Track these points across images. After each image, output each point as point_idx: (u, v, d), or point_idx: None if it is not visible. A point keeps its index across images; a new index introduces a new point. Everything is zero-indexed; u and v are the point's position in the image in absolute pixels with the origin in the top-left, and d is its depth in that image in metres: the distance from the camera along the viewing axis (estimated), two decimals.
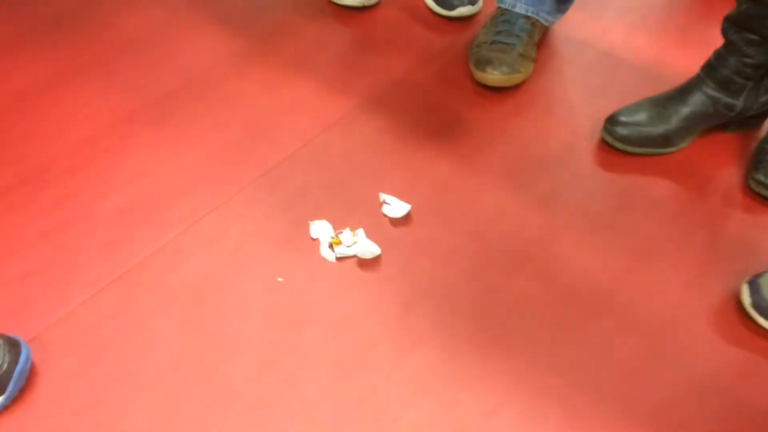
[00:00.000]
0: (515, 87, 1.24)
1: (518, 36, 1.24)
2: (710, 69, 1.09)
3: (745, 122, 1.14)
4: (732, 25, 1.05)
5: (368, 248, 0.98)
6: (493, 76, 1.20)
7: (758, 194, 1.06)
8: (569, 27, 1.37)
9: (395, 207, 1.03)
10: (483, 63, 1.22)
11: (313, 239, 1.01)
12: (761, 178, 1.05)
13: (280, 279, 0.96)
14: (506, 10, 1.27)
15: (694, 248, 1.01)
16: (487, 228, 1.03)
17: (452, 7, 1.36)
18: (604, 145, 1.14)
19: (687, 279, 0.97)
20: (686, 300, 0.95)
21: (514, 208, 1.06)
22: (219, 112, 1.20)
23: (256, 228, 1.02)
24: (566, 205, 1.06)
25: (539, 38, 1.29)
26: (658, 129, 1.10)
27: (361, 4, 1.38)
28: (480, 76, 1.22)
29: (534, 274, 0.97)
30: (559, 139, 1.16)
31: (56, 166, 1.10)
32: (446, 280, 0.97)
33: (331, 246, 0.99)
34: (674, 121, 1.10)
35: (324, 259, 0.99)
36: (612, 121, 1.12)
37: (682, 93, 1.11)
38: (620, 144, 1.11)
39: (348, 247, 0.98)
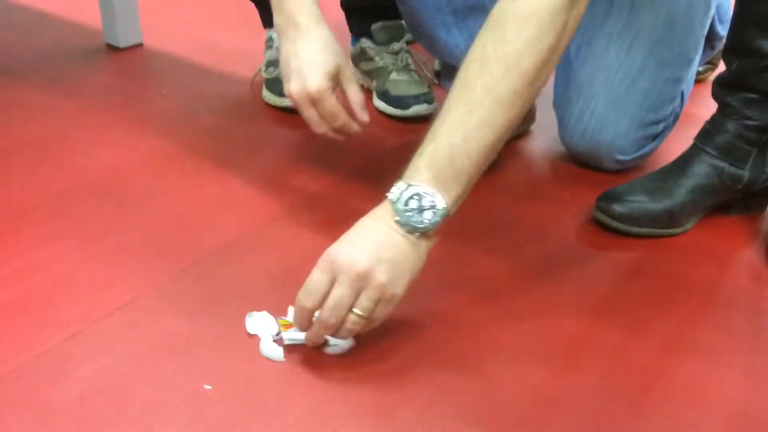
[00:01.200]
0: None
1: None
2: (707, 136, 0.96)
3: (752, 201, 1.00)
4: (725, 86, 0.95)
5: (337, 342, 0.73)
6: None
7: None
8: (536, 125, 1.25)
9: None
10: None
11: (251, 335, 0.76)
12: None
13: (207, 387, 0.70)
14: None
15: (736, 331, 0.81)
16: (476, 311, 0.81)
17: (407, 107, 1.23)
18: (598, 228, 0.97)
19: (737, 371, 0.76)
20: (746, 396, 0.73)
21: (501, 301, 0.85)
22: (131, 206, 0.98)
23: (176, 327, 0.77)
24: (568, 295, 0.86)
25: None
26: (661, 204, 0.94)
27: None
28: None
29: (549, 367, 0.74)
30: (542, 225, 0.98)
31: None
32: (435, 377, 0.72)
33: (279, 339, 0.74)
34: (678, 196, 0.95)
35: (267, 358, 0.73)
36: (606, 198, 0.96)
37: (681, 165, 0.97)
38: (619, 223, 0.94)
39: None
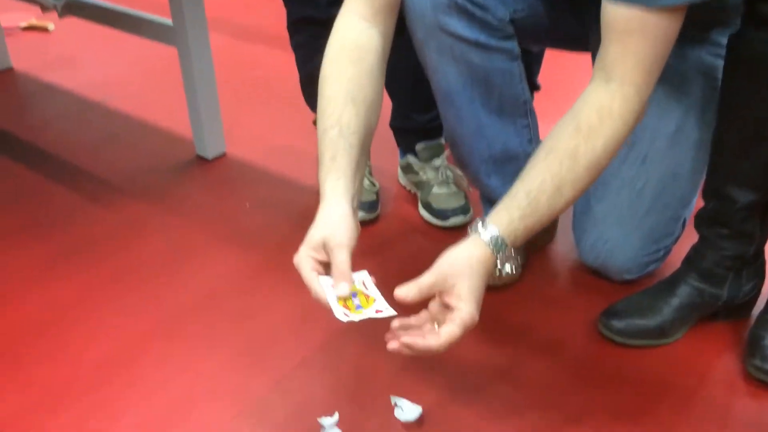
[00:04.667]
0: (505, 288, 1.31)
1: None
2: (690, 262, 1.17)
3: (734, 312, 1.19)
4: (703, 221, 1.15)
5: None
6: None
7: (759, 380, 1.08)
8: (559, 233, 1.47)
9: (406, 410, 1.05)
10: None
11: None
12: (758, 363, 1.08)
13: None
14: None
15: None
16: (504, 428, 1.04)
17: (446, 218, 1.47)
18: (601, 337, 1.19)
19: None
20: None
21: (524, 403, 1.07)
22: (229, 325, 1.25)
23: None
24: (572, 401, 1.08)
25: (530, 245, 1.37)
26: (653, 321, 1.15)
27: (361, 219, 1.49)
28: None
29: None
30: (556, 333, 1.20)
31: (70, 390, 1.12)
32: None
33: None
34: (667, 313, 1.15)
35: None
36: (607, 315, 1.18)
37: (669, 285, 1.17)
38: (618, 337, 1.16)
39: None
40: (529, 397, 1.09)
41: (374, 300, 0.93)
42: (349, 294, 0.92)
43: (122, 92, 2.16)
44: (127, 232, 1.51)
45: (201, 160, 1.78)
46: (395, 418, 1.05)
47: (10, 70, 2.31)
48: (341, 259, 0.92)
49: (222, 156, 1.79)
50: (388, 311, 0.92)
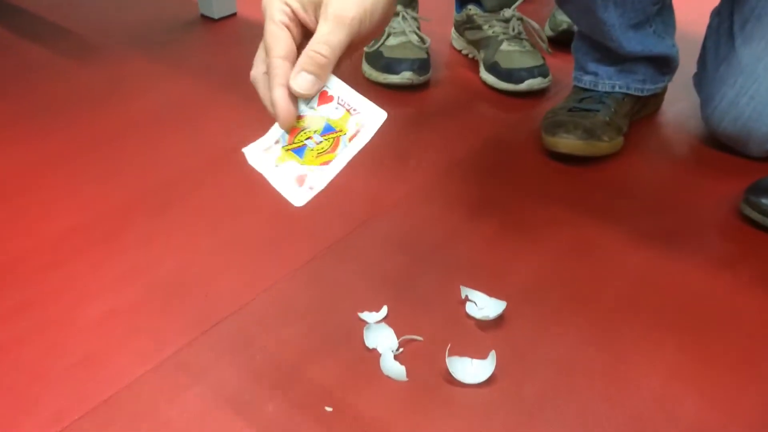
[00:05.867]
0: (601, 161, 0.99)
1: (604, 103, 1.01)
2: None
3: None
4: None
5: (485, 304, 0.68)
6: (566, 141, 0.96)
7: None
8: (666, 100, 1.14)
9: (485, 305, 0.75)
10: (555, 126, 0.98)
11: (370, 349, 0.71)
12: None
13: (328, 408, 0.66)
14: (585, 89, 1.05)
15: None
16: (607, 323, 0.74)
17: (520, 80, 1.14)
18: (744, 224, 0.87)
19: None
20: None
21: (637, 302, 0.77)
22: (241, 197, 0.94)
23: (293, 335, 0.73)
24: (716, 301, 0.77)
25: (635, 111, 1.05)
26: None
27: (409, 82, 1.16)
28: (550, 141, 0.97)
29: (694, 395, 0.67)
30: (678, 219, 0.89)
31: (26, 263, 0.83)
32: (572, 397, 0.66)
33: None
34: None
35: (387, 376, 0.69)
36: (756, 191, 0.86)
37: None
38: None
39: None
40: (656, 292, 0.78)
41: (335, 156, 0.53)
42: (320, 115, 0.51)
43: None
44: (112, 91, 1.20)
45: (206, 20, 1.45)
46: (467, 315, 0.75)
47: None
48: (333, 37, 0.52)
49: (232, 16, 1.46)
50: (316, 184, 0.51)
